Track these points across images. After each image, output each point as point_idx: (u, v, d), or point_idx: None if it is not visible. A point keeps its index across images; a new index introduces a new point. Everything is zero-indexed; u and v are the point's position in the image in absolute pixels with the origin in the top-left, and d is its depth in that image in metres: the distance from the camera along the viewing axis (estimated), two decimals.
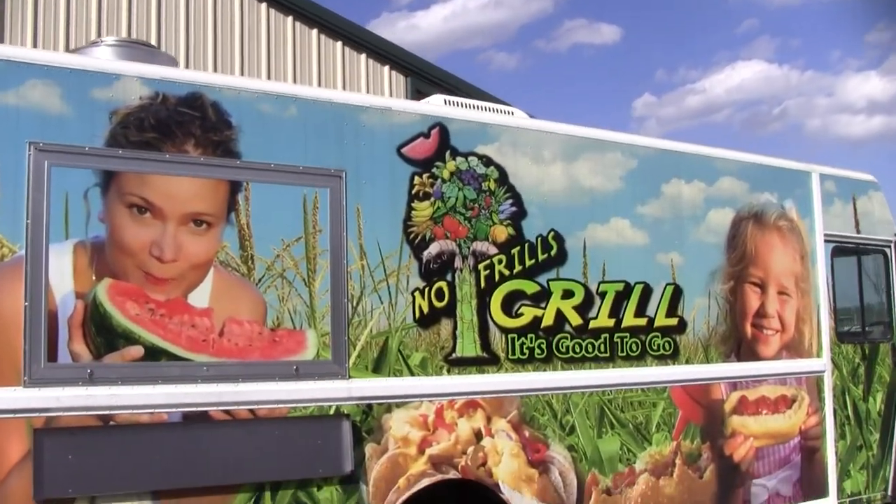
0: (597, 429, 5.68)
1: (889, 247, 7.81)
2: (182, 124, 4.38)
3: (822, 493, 6.97)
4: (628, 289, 5.89)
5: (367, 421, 4.75)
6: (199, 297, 4.32)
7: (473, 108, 6.00)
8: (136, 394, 4.10)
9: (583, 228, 5.74)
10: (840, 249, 7.45)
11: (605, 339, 5.75)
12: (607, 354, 5.75)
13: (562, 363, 5.54)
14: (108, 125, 4.19)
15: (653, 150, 6.26)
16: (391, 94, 12.42)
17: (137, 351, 4.13)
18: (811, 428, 6.88)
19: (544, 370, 5.46)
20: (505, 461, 5.22)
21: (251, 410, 4.39)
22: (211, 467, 4.25)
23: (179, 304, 4.25)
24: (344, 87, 12.15)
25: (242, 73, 11.20)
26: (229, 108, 4.53)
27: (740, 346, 6.51)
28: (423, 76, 13.45)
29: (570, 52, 57.86)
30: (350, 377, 4.72)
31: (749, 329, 6.56)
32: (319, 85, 11.90)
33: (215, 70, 10.88)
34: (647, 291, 5.99)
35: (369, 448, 4.74)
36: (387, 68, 12.99)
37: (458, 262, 5.19)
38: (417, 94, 13.07)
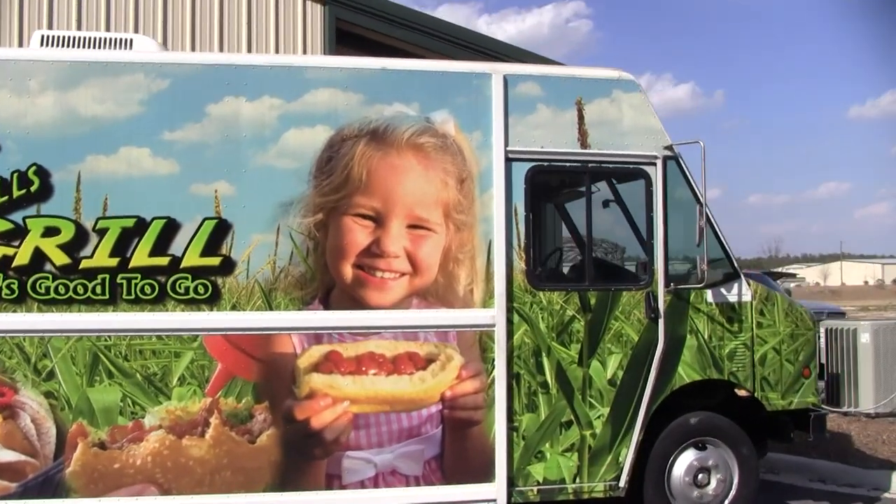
0: (87, 377, 5.26)
1: (653, 164, 5.73)
2: None
3: (483, 476, 5.54)
4: (142, 225, 5.28)
5: None
6: None
7: (83, 43, 5.83)
8: None
9: (78, 161, 5.27)
10: (547, 171, 5.69)
11: (104, 280, 5.26)
12: (105, 297, 5.25)
13: (40, 305, 5.22)
14: None
15: (196, 67, 5.44)
16: (304, 26, 11.30)
17: None
18: (464, 395, 5.48)
19: (14, 311, 5.21)
20: None
21: None
22: None
23: None
24: (249, 20, 10.96)
25: None
26: None
27: (330, 291, 5.42)
28: (344, 4, 11.92)
29: None
30: None
31: (349, 271, 5.41)
32: (194, 24, 10.88)
33: None
34: (171, 227, 5.30)
35: None
36: None
37: None
38: (339, 22, 11.84)
